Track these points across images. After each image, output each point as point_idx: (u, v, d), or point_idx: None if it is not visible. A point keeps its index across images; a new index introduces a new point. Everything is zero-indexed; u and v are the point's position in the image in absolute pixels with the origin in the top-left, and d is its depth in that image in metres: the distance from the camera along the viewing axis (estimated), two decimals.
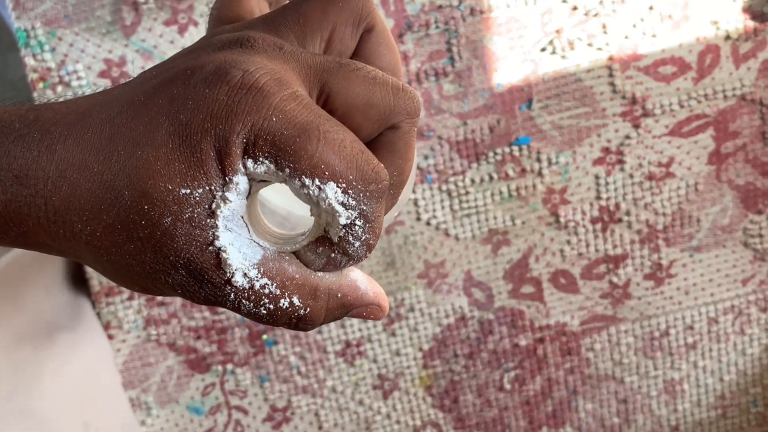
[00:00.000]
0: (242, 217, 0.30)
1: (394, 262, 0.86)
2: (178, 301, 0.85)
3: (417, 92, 0.33)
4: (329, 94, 0.30)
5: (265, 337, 0.86)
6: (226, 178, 0.29)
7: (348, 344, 0.88)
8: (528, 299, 0.88)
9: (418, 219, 0.85)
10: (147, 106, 0.29)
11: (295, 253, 0.32)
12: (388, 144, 0.32)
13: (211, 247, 0.29)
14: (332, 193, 0.29)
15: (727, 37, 0.81)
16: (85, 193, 0.29)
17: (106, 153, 0.29)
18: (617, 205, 0.85)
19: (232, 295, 0.30)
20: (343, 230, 0.30)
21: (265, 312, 0.31)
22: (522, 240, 0.86)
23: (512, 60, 0.81)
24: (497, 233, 0.85)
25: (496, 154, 0.83)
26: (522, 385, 0.91)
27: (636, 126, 0.83)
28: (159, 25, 0.79)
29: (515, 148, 0.83)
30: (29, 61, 0.79)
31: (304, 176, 0.28)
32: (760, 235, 0.87)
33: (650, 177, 0.84)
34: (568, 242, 0.86)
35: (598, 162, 0.84)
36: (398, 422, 0.91)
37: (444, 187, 0.84)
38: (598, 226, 0.86)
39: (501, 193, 0.84)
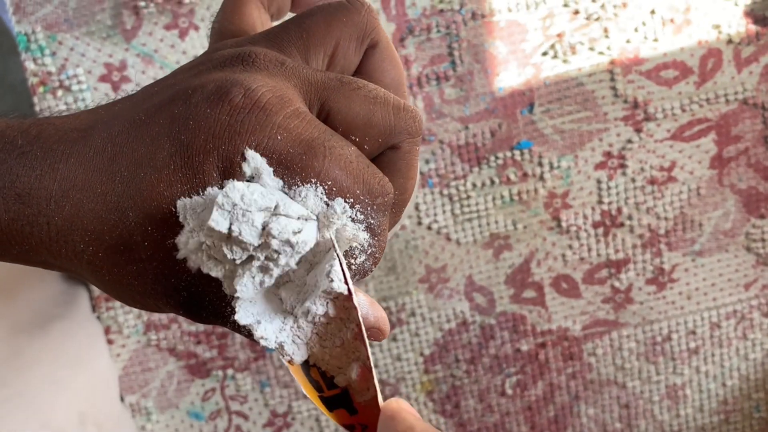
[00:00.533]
0: None
1: (395, 266, 0.85)
2: None
3: (419, 111, 0.33)
4: (329, 112, 0.30)
5: None
6: None
7: None
8: (530, 304, 0.88)
9: (420, 223, 0.84)
10: (148, 125, 0.29)
11: None
12: (389, 163, 0.31)
13: None
14: (340, 208, 0.29)
15: (729, 41, 0.81)
16: (88, 213, 0.29)
17: (108, 174, 0.29)
18: (619, 210, 0.85)
19: (233, 317, 0.30)
20: (350, 244, 0.30)
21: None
22: (524, 244, 0.86)
23: (514, 64, 0.81)
24: (499, 238, 0.85)
25: (497, 158, 0.83)
26: (524, 390, 0.90)
27: (638, 130, 0.83)
28: (160, 30, 0.79)
29: (517, 152, 0.83)
30: (30, 65, 0.78)
31: (312, 193, 0.28)
32: (763, 240, 0.87)
33: (652, 181, 0.84)
34: (570, 247, 0.86)
35: (599, 166, 0.84)
36: None
37: (445, 192, 0.83)
38: (600, 230, 0.85)
39: (502, 197, 0.84)
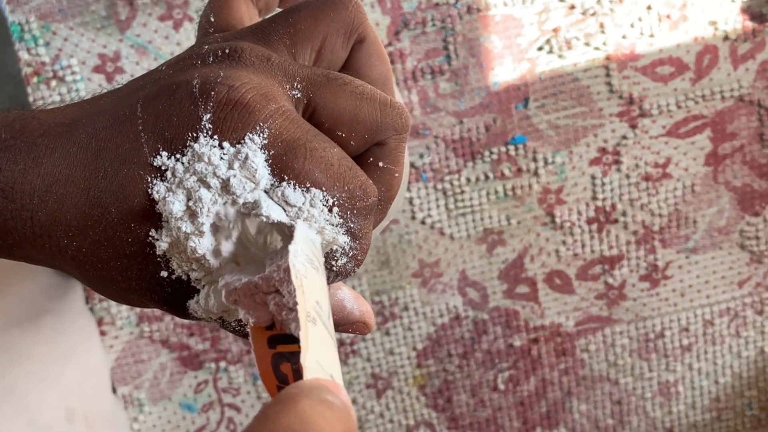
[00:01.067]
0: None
1: (388, 260, 0.85)
2: None
3: (405, 108, 0.33)
4: (316, 108, 0.30)
5: None
6: None
7: (341, 343, 0.87)
8: (523, 299, 0.88)
9: (413, 218, 0.84)
10: (132, 121, 0.29)
11: None
12: (375, 160, 0.31)
13: None
14: (318, 211, 0.29)
15: (726, 38, 0.81)
16: (71, 209, 0.29)
17: (92, 169, 0.29)
18: (613, 206, 0.85)
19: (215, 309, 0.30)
20: (330, 247, 0.30)
21: (249, 332, 0.31)
22: (517, 240, 0.85)
23: (509, 59, 0.80)
24: (492, 233, 0.85)
25: (492, 153, 0.82)
26: (516, 386, 0.91)
27: (633, 126, 0.82)
28: (154, 21, 0.78)
29: (511, 147, 0.82)
30: (23, 56, 0.78)
31: (290, 194, 0.28)
32: (757, 238, 0.87)
33: (647, 178, 0.84)
34: (564, 243, 0.86)
35: (594, 162, 0.83)
36: (391, 421, 0.91)
37: (439, 186, 0.83)
38: (594, 226, 0.85)
39: (496, 192, 0.84)
